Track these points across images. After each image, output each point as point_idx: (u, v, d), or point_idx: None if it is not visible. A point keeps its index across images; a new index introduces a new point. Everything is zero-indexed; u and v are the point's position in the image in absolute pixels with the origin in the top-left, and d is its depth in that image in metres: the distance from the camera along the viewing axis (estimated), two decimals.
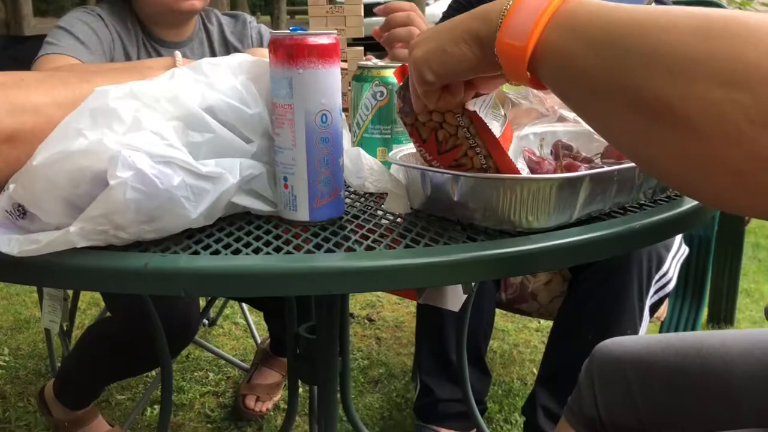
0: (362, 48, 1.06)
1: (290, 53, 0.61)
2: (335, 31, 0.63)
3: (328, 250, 0.58)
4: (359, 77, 0.77)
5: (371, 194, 0.76)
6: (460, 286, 1.11)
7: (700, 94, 0.37)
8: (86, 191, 0.55)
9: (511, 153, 0.65)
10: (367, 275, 0.56)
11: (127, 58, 1.37)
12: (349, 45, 1.06)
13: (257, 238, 0.62)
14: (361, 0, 1.08)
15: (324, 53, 0.62)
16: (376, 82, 0.76)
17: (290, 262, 0.56)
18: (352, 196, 0.76)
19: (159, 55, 1.39)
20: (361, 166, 0.72)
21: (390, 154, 0.72)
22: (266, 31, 1.55)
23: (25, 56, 1.49)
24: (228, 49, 1.48)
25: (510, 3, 0.51)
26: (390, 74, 0.76)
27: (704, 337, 0.90)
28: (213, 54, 1.48)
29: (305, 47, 0.61)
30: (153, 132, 0.56)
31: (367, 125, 0.77)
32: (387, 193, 0.69)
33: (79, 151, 0.53)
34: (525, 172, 0.65)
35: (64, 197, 0.56)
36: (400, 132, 0.77)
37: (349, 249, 0.59)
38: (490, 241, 0.60)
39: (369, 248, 0.59)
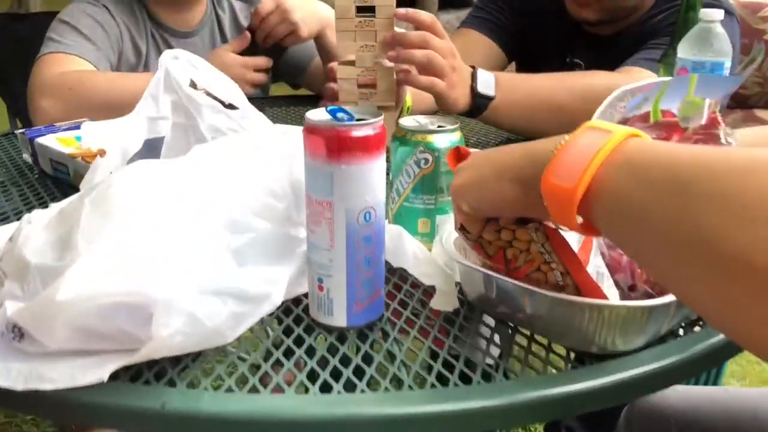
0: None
1: (331, 147, 0.52)
2: (381, 118, 0.54)
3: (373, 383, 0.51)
4: (401, 140, 0.68)
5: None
6: None
7: None
8: (115, 323, 0.48)
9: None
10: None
11: (137, 50, 1.27)
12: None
13: (288, 353, 0.54)
14: (393, 5, 0.97)
15: (370, 146, 0.53)
16: (421, 148, 0.67)
17: (330, 406, 0.49)
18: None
19: (169, 46, 1.29)
20: (403, 250, 0.64)
21: (443, 239, 0.62)
22: None
23: (29, 35, 1.42)
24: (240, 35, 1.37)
25: (561, 143, 0.45)
26: (435, 139, 0.67)
27: (757, 396, 0.84)
28: (225, 41, 1.38)
29: (348, 140, 0.52)
30: (204, 261, 0.50)
31: (408, 194, 0.69)
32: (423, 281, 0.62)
33: (117, 292, 0.46)
34: (606, 285, 0.56)
35: (83, 327, 0.48)
36: (446, 201, 0.69)
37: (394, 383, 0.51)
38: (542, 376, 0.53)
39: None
